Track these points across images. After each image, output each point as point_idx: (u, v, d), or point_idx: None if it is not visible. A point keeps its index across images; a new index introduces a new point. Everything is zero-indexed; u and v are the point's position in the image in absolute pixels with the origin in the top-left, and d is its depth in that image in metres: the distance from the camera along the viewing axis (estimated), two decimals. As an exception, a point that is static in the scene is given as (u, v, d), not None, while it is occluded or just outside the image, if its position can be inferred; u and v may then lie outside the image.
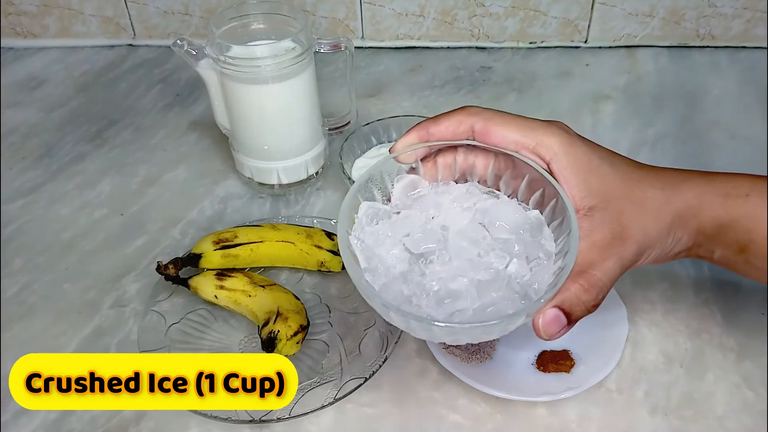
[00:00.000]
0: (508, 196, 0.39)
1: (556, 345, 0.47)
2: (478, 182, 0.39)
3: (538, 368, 0.45)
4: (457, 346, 0.45)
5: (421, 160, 0.39)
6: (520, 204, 0.38)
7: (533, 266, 0.35)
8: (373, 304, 0.34)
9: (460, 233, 0.36)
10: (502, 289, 0.34)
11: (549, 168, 0.36)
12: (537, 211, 0.37)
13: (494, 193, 0.39)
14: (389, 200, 0.39)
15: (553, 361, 0.45)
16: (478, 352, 0.46)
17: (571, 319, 0.34)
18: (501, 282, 0.34)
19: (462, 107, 0.38)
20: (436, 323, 0.32)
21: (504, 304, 0.34)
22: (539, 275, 0.35)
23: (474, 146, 0.38)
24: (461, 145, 0.38)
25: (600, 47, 0.78)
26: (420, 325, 0.33)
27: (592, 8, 0.75)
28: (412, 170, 0.40)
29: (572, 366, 0.45)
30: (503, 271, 0.35)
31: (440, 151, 0.39)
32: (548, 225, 0.37)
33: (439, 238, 0.36)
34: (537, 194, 0.37)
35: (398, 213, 0.38)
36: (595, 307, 0.35)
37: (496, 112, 0.38)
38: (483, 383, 0.43)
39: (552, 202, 0.36)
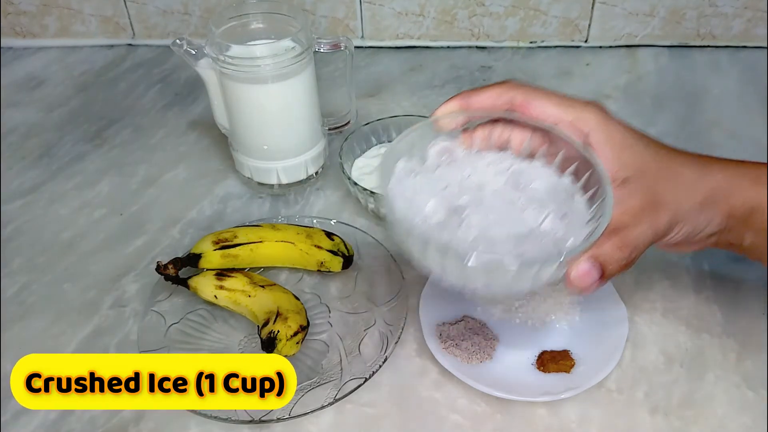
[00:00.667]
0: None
1: (556, 345, 0.47)
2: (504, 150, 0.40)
3: (539, 368, 0.45)
4: (456, 346, 0.46)
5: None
6: (552, 169, 0.39)
7: (567, 224, 0.35)
8: (411, 241, 0.34)
9: (495, 191, 0.37)
10: (537, 244, 0.34)
11: (586, 142, 0.37)
12: (570, 178, 0.38)
13: (528, 160, 0.39)
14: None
15: (553, 361, 0.45)
16: (478, 352, 0.46)
17: (604, 274, 0.34)
18: (536, 237, 0.35)
19: (504, 81, 0.39)
20: (475, 252, 0.31)
21: (539, 257, 0.34)
22: (573, 232, 0.35)
23: (511, 121, 0.38)
24: (500, 117, 0.39)
25: (600, 47, 0.78)
26: (456, 264, 0.32)
27: (592, 8, 0.75)
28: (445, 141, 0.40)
29: (572, 366, 0.45)
30: (538, 227, 0.35)
31: (478, 124, 0.40)
32: (582, 195, 0.37)
33: (475, 193, 0.37)
34: (572, 168, 0.37)
35: (435, 171, 0.39)
36: (628, 266, 0.35)
37: (536, 87, 0.38)
38: (483, 383, 0.43)
39: (587, 174, 0.36)
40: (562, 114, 0.37)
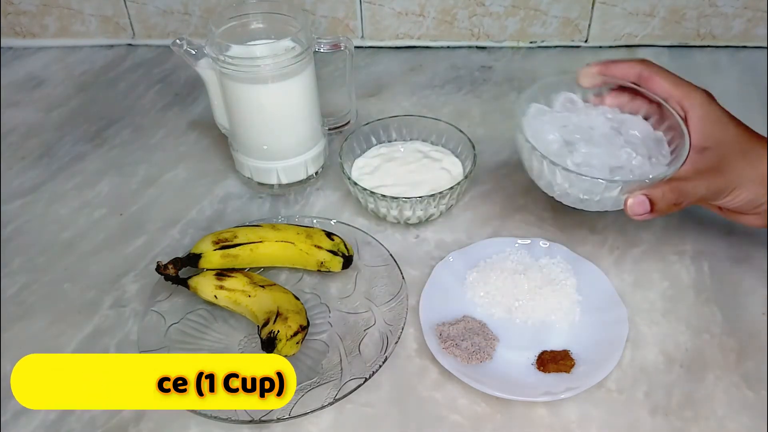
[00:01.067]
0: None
1: (556, 345, 0.47)
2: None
3: (538, 368, 0.45)
4: (456, 346, 0.46)
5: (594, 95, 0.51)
6: (650, 125, 0.49)
7: (651, 164, 0.47)
8: (533, 158, 0.46)
9: (602, 133, 0.48)
10: (627, 175, 0.46)
11: (686, 115, 0.46)
12: (661, 132, 0.48)
13: (633, 114, 0.50)
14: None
15: (553, 361, 0.45)
16: (478, 352, 0.46)
17: (654, 208, 0.43)
18: (626, 170, 0.46)
19: (642, 59, 0.49)
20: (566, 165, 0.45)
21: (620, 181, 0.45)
22: (655, 171, 0.46)
23: (634, 90, 0.49)
24: (627, 86, 0.49)
25: (600, 47, 0.78)
26: (564, 175, 0.45)
27: (592, 8, 0.75)
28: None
29: (572, 366, 0.45)
30: (629, 162, 0.47)
31: (612, 89, 0.50)
32: (668, 148, 0.48)
33: (586, 132, 0.49)
34: (665, 126, 0.48)
35: (558, 114, 0.50)
36: (677, 206, 0.44)
37: (662, 68, 0.48)
38: (483, 383, 0.43)
39: (675, 133, 0.47)
40: (674, 90, 0.47)
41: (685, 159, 0.44)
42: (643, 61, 0.49)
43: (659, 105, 0.48)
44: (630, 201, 0.43)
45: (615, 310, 0.47)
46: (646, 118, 0.49)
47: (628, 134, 0.49)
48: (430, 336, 0.46)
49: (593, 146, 0.47)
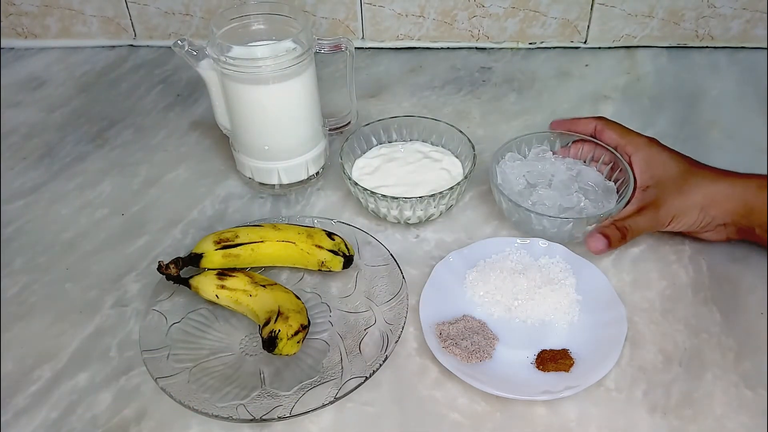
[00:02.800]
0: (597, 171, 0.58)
1: (555, 344, 0.47)
2: (584, 161, 0.59)
3: (538, 367, 0.45)
4: (456, 345, 0.46)
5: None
6: (603, 176, 0.57)
7: (598, 207, 0.54)
8: (502, 198, 0.54)
9: (560, 180, 0.56)
10: (575, 214, 0.54)
11: (631, 159, 0.54)
12: (612, 183, 0.56)
13: (590, 166, 0.58)
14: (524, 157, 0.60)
15: (553, 360, 0.45)
16: (477, 351, 0.46)
17: (610, 242, 0.49)
18: (575, 210, 0.54)
19: (599, 117, 0.58)
20: (526, 206, 0.53)
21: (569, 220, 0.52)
22: (599, 212, 0.54)
23: (592, 141, 0.57)
24: (585, 139, 0.58)
25: (599, 48, 0.78)
26: (521, 211, 0.53)
27: (591, 9, 0.75)
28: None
29: (571, 365, 0.45)
30: (578, 205, 0.54)
31: (573, 141, 0.59)
32: (617, 192, 0.56)
33: (547, 178, 0.57)
34: (616, 173, 0.56)
35: (528, 162, 0.59)
36: (623, 239, 0.50)
37: (614, 123, 0.57)
38: (483, 382, 0.43)
39: (625, 176, 0.54)
40: (621, 140, 0.55)
41: (630, 198, 0.52)
42: (599, 118, 0.57)
43: (609, 152, 0.56)
44: (587, 239, 0.50)
45: (614, 310, 0.48)
46: (607, 164, 0.57)
47: (583, 182, 0.57)
48: (429, 335, 0.46)
49: (550, 190, 0.56)
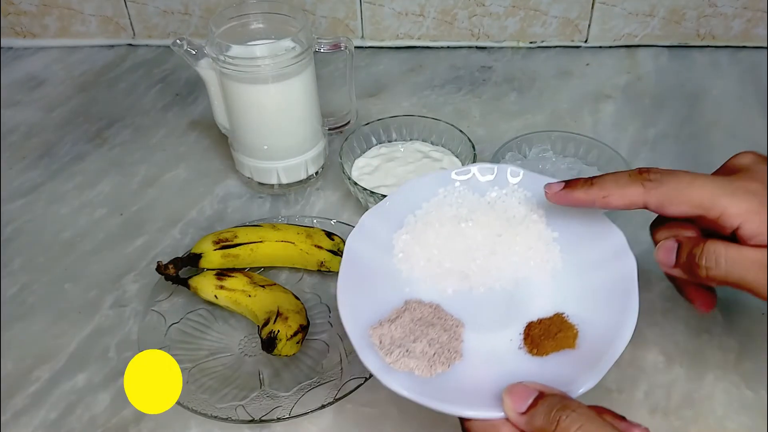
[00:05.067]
0: None
1: (542, 310, 0.35)
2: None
3: (531, 351, 0.33)
4: (408, 354, 0.32)
5: None
6: None
7: None
8: None
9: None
10: None
11: (739, 233, 0.34)
12: None
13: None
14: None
15: (548, 336, 0.33)
16: (440, 353, 0.32)
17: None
18: None
19: (635, 175, 0.35)
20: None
21: None
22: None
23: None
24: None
25: (600, 47, 0.78)
26: None
27: (592, 8, 0.75)
28: None
29: (575, 336, 0.33)
30: None
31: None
32: None
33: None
34: None
35: (527, 161, 0.54)
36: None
37: (673, 182, 0.34)
38: (463, 404, 0.30)
39: None
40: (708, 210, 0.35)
41: None
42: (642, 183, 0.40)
43: None
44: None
45: (608, 238, 0.35)
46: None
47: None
48: (364, 349, 0.32)
49: None
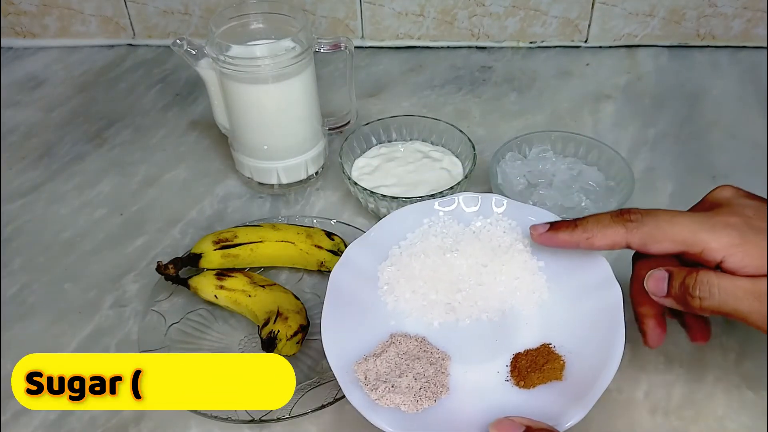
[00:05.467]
0: None
1: (529, 341, 0.35)
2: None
3: (518, 384, 0.33)
4: (393, 389, 0.32)
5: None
6: (604, 175, 0.55)
7: (599, 207, 0.50)
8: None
9: (561, 180, 0.54)
10: (576, 214, 0.44)
11: (723, 266, 0.34)
12: (612, 182, 0.54)
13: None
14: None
15: (535, 368, 0.33)
16: (427, 387, 0.32)
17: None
18: (576, 210, 0.51)
19: (616, 216, 0.36)
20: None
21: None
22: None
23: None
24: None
25: (600, 47, 0.78)
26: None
27: (592, 8, 0.75)
28: None
29: (563, 367, 0.33)
30: (579, 204, 0.52)
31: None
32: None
33: (548, 178, 0.54)
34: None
35: (527, 161, 0.56)
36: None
37: (653, 222, 0.35)
38: None
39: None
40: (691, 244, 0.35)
41: None
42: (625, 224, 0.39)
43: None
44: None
45: (593, 267, 0.36)
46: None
47: (584, 182, 0.54)
48: (349, 385, 0.32)
49: (551, 189, 0.52)
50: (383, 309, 0.37)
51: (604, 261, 0.36)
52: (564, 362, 0.34)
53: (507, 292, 0.37)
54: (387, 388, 0.32)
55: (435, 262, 0.38)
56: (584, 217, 0.36)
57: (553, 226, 0.37)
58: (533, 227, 0.37)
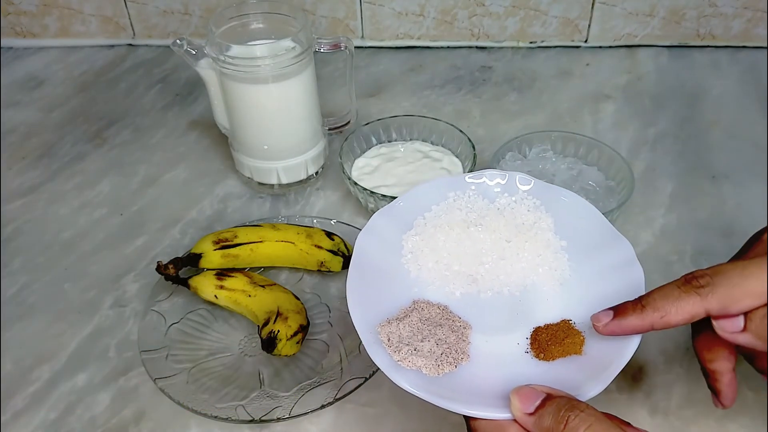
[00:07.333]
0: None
1: (549, 316, 0.35)
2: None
3: (537, 356, 0.33)
4: (415, 352, 0.33)
5: None
6: (604, 175, 0.56)
7: (599, 207, 0.43)
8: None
9: (561, 180, 0.55)
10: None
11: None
12: (612, 182, 0.55)
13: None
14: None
15: (555, 341, 0.33)
16: (448, 353, 0.33)
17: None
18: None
19: (684, 285, 0.32)
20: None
21: None
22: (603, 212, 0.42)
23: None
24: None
25: (600, 47, 0.78)
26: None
27: (592, 8, 0.75)
28: None
29: (582, 343, 0.33)
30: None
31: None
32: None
33: (548, 178, 0.54)
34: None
35: (527, 161, 0.57)
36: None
37: (725, 281, 0.31)
38: (471, 404, 0.31)
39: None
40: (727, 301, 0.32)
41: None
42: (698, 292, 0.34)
43: None
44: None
45: (615, 249, 0.36)
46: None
47: (584, 182, 0.54)
48: (372, 345, 0.33)
49: (557, 184, 0.47)
50: (406, 276, 0.37)
51: (627, 242, 0.36)
52: (584, 338, 0.34)
53: (529, 268, 0.37)
54: (409, 351, 0.32)
55: (459, 235, 0.38)
56: (648, 294, 0.32)
57: (618, 311, 0.32)
58: (595, 317, 0.33)
